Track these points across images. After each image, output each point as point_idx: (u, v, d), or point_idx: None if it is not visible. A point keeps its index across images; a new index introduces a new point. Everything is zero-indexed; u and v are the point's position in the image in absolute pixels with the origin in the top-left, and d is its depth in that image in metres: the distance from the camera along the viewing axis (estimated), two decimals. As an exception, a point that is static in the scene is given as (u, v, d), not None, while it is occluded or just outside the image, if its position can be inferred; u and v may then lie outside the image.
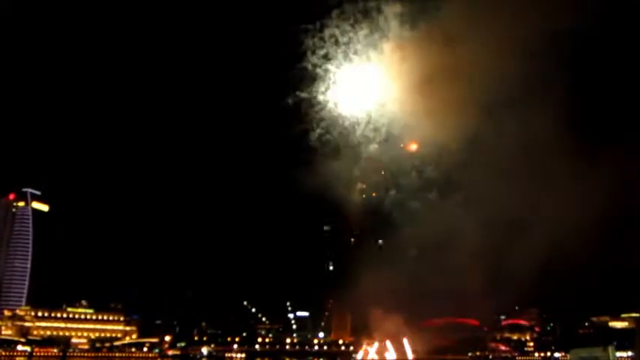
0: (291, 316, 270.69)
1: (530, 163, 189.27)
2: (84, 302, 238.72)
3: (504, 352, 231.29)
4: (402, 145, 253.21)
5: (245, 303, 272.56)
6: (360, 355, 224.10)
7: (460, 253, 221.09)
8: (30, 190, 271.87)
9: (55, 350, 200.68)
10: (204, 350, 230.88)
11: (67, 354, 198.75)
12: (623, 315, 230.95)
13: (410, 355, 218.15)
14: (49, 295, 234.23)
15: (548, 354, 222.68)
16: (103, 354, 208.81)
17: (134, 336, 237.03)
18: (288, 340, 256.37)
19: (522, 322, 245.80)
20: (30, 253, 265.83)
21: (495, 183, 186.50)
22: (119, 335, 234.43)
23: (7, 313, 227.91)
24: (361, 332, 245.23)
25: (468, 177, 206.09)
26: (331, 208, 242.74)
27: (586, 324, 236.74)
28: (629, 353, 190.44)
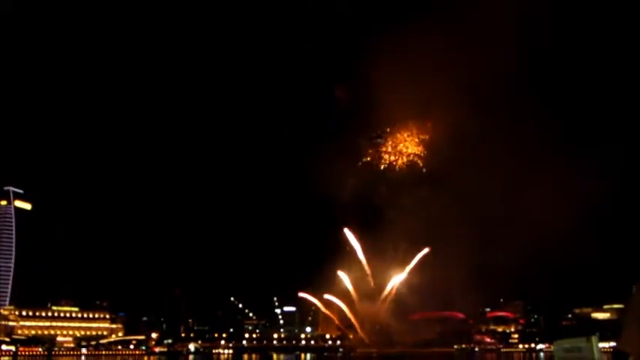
0: (278, 311, 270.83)
1: (516, 159, 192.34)
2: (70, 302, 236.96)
3: (489, 343, 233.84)
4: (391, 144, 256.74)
5: (232, 299, 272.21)
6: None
7: (446, 247, 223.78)
8: (12, 188, 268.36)
9: (40, 349, 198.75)
10: (192, 346, 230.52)
11: (53, 353, 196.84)
12: (605, 306, 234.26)
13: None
14: (33, 294, 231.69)
15: (532, 345, 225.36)
16: (89, 352, 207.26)
17: (120, 333, 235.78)
18: (275, 336, 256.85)
19: (507, 314, 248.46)
20: (13, 252, 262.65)
21: (482, 178, 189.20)
22: (105, 333, 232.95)
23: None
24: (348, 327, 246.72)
25: (455, 172, 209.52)
26: (318, 202, 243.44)
27: (569, 316, 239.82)
28: (612, 344, 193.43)
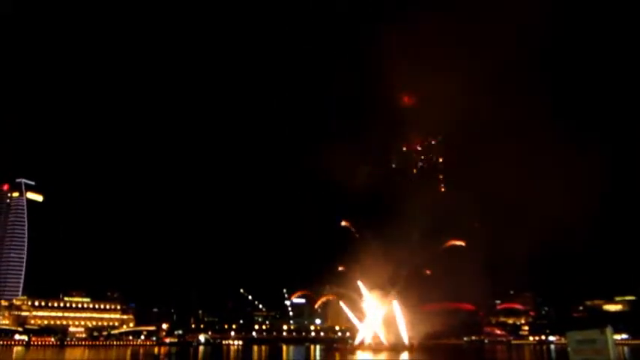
0: (287, 303, 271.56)
1: (526, 148, 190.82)
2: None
3: (500, 335, 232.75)
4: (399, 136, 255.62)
5: (242, 290, 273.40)
6: None
7: (457, 238, 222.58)
8: (24, 180, 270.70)
9: (53, 339, 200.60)
10: (202, 337, 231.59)
11: (65, 343, 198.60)
12: (617, 298, 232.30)
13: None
14: (45, 285, 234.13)
15: (543, 337, 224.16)
16: (101, 342, 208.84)
17: (131, 324, 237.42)
18: (285, 327, 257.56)
19: (517, 306, 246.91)
20: (26, 243, 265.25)
21: (492, 171, 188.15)
22: (116, 324, 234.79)
23: (3, 303, 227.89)
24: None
25: (465, 162, 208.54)
26: (329, 194, 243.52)
27: (580, 307, 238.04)
28: (624, 336, 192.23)
